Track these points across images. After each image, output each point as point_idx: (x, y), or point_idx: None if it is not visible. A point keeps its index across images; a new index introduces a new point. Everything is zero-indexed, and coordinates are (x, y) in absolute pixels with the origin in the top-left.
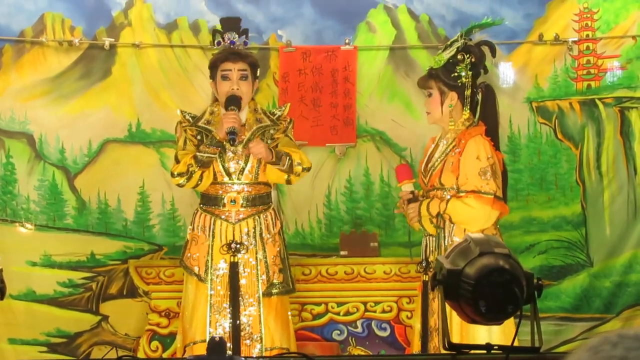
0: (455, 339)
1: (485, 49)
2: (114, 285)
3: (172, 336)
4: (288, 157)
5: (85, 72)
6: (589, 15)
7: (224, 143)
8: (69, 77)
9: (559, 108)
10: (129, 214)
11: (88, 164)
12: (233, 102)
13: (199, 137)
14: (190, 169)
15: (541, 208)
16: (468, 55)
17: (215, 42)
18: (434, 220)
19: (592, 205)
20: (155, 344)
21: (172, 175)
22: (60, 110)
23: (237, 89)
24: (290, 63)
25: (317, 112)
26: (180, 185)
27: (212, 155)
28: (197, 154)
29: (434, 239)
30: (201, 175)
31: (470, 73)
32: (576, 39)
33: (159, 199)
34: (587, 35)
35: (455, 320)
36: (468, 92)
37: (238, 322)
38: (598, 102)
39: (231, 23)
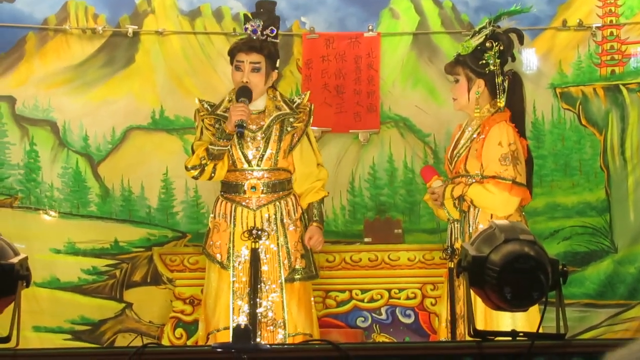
0: (480, 325)
1: (513, 36)
2: (137, 273)
3: (196, 323)
4: (321, 205)
5: (109, 59)
6: (612, 1)
7: (234, 135)
8: (92, 64)
9: (582, 94)
10: (152, 201)
11: (111, 151)
12: (244, 93)
13: (217, 126)
14: (203, 162)
15: (565, 194)
16: (497, 43)
17: (244, 27)
18: (456, 202)
19: (616, 191)
20: (179, 331)
21: (186, 168)
22: (83, 98)
23: (247, 81)
24: (314, 50)
25: (341, 99)
26: (195, 178)
27: (223, 148)
28: (209, 146)
29: (459, 225)
30: (214, 167)
31: (498, 61)
32: (600, 25)
33: (182, 186)
34: (611, 21)
35: (479, 307)
36: (499, 80)
37: (258, 308)
38: (622, 87)
39: (266, 6)
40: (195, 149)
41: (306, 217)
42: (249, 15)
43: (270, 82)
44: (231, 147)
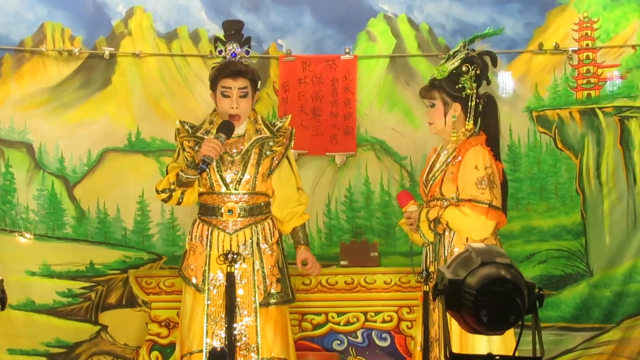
0: (455, 349)
1: (487, 59)
2: (113, 295)
3: (172, 346)
4: (305, 228)
5: (85, 81)
6: (588, 25)
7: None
8: (69, 86)
9: (559, 117)
10: (128, 224)
11: (87, 173)
12: (225, 128)
13: (196, 148)
14: (172, 187)
15: (541, 217)
16: (473, 67)
17: (217, 50)
18: (432, 225)
19: (592, 214)
20: (155, 354)
21: (157, 191)
22: (59, 120)
23: (237, 107)
24: (291, 72)
25: (317, 122)
26: (164, 201)
27: (192, 177)
28: (179, 172)
29: (434, 248)
30: (182, 194)
31: (474, 85)
32: (576, 48)
33: (158, 208)
34: (587, 45)
35: (455, 330)
36: (472, 104)
37: (234, 332)
38: (598, 111)
39: (233, 26)
40: (169, 171)
41: (283, 241)
42: (222, 37)
43: (254, 104)
44: (210, 169)
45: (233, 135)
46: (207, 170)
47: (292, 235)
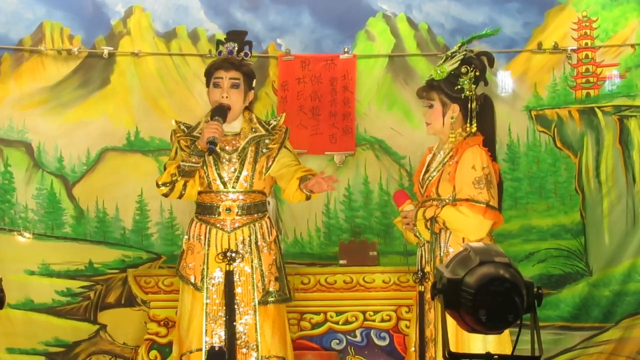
0: (450, 348)
1: (484, 59)
2: (112, 294)
3: (171, 345)
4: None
5: (84, 80)
6: (587, 24)
7: (205, 153)
8: (68, 85)
9: (558, 116)
10: (127, 223)
11: (86, 172)
12: (219, 112)
13: (192, 147)
14: (173, 179)
15: (540, 216)
16: (472, 68)
17: (217, 52)
18: (428, 224)
19: (591, 213)
20: (154, 353)
21: (157, 185)
22: (58, 119)
23: (226, 97)
24: (289, 72)
25: (316, 121)
26: (165, 195)
27: (195, 165)
28: (180, 163)
29: (430, 247)
30: (184, 185)
31: (474, 87)
32: (575, 48)
33: (157, 207)
34: (586, 44)
35: (450, 329)
36: (474, 106)
37: (233, 330)
38: (597, 110)
39: (237, 35)
40: (168, 166)
41: (281, 240)
42: (222, 39)
43: (247, 102)
44: (207, 168)
45: (229, 133)
46: (205, 169)
47: (302, 185)
